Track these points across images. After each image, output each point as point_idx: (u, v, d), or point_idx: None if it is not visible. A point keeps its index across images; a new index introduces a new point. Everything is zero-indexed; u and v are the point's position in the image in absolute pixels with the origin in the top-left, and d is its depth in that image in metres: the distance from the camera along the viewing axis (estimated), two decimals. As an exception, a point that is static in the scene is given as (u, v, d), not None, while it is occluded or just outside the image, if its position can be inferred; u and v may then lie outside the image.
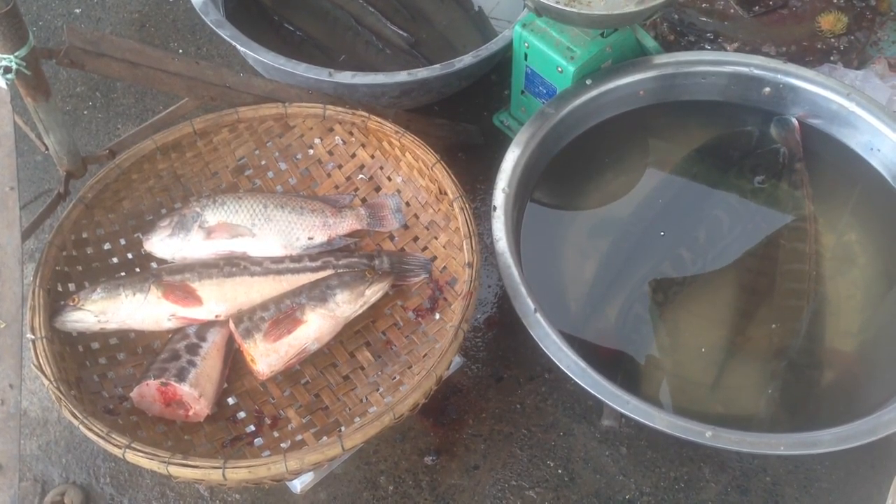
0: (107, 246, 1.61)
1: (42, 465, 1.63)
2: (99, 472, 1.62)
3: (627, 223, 1.72)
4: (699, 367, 1.59)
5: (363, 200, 1.70)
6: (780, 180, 1.75)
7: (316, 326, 1.49)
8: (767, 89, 1.79)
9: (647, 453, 1.61)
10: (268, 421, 1.46)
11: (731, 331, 1.61)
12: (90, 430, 1.30)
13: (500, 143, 1.99)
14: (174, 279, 1.51)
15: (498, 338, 1.75)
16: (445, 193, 1.58)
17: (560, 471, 1.59)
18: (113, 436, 1.29)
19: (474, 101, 2.09)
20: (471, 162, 1.99)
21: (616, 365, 1.58)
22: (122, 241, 1.63)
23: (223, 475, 1.26)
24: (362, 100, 1.85)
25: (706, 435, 1.36)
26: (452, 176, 1.57)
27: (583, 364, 1.42)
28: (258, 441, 1.44)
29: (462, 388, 1.69)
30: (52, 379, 1.35)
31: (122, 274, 1.59)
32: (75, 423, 1.31)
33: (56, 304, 1.48)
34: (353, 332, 1.56)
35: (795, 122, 1.78)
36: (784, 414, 1.53)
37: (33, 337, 1.40)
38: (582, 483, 1.58)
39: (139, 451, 1.27)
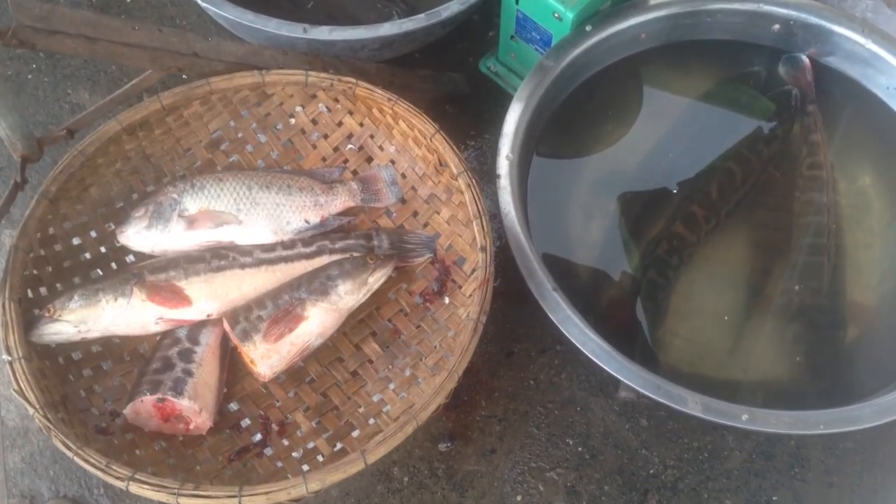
0: (76, 240, 1.46)
1: (28, 479, 1.52)
2: (91, 482, 1.51)
3: (637, 181, 1.62)
4: (718, 332, 1.52)
5: (354, 173, 1.56)
6: (793, 125, 1.65)
7: (318, 321, 1.37)
8: (777, 26, 1.67)
9: (668, 424, 1.55)
10: (275, 427, 1.36)
11: (750, 292, 1.54)
12: (87, 461, 1.18)
13: (488, 92, 1.86)
14: (158, 279, 1.38)
15: (504, 309, 1.65)
16: (446, 165, 1.45)
17: (580, 448, 1.53)
18: (113, 467, 1.18)
19: (457, 45, 1.93)
20: (459, 115, 1.85)
21: (633, 335, 1.51)
22: (93, 234, 1.48)
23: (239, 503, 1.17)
24: (340, 54, 1.69)
25: (743, 418, 1.30)
26: (454, 147, 1.44)
27: (608, 347, 1.34)
28: (267, 451, 1.34)
29: (471, 367, 1.57)
30: (38, 406, 1.23)
31: (99, 272, 1.46)
32: (69, 454, 1.19)
33: (29, 313, 1.34)
34: (356, 322, 1.45)
35: (806, 60, 1.68)
36: (808, 377, 1.48)
37: (10, 358, 1.27)
38: (604, 460, 1.52)
39: (144, 482, 1.16)
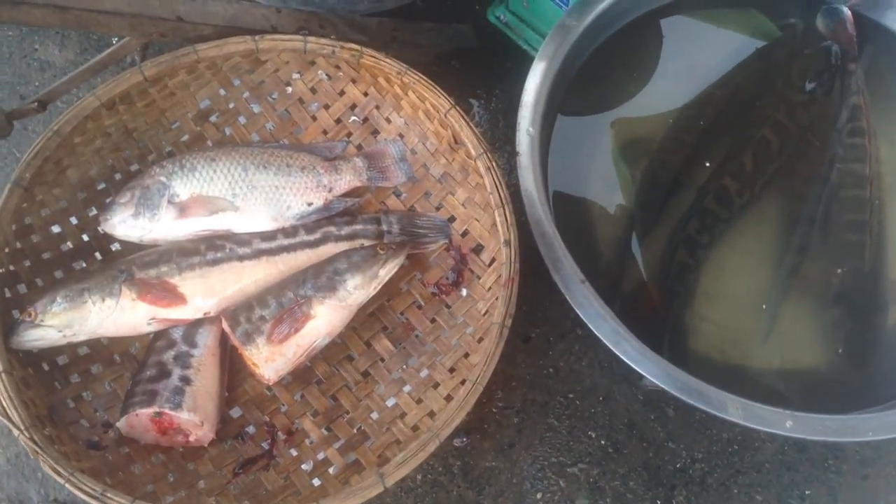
0: (55, 229, 1.33)
1: (15, 481, 1.42)
2: (84, 486, 1.41)
3: (665, 152, 1.49)
4: (751, 316, 1.42)
5: (359, 148, 1.43)
6: (833, 85, 1.52)
7: (326, 320, 1.26)
8: (815, -26, 1.53)
9: (696, 414, 1.47)
10: (282, 436, 1.26)
11: (786, 273, 1.43)
12: (80, 489, 1.09)
13: (497, 45, 1.71)
14: (149, 275, 1.25)
15: (519, 290, 1.53)
16: (462, 143, 1.32)
17: (603, 441, 1.45)
18: (109, 495, 1.08)
19: (462, -10, 1.77)
20: (466, 70, 1.70)
21: (661, 321, 1.40)
22: (73, 220, 1.35)
23: (251, 535, 1.07)
24: (336, 7, 1.53)
25: (787, 425, 1.21)
26: (471, 124, 1.30)
27: (642, 347, 1.23)
28: (275, 462, 1.24)
29: (487, 354, 1.49)
30: (23, 427, 1.12)
31: (83, 264, 1.33)
32: (60, 480, 1.09)
33: (8, 316, 1.22)
34: (365, 315, 1.34)
35: (847, 12, 1.53)
36: (849, 366, 1.39)
37: (-11, 373, 1.15)
38: (628, 454, 1.44)
39: (145, 513, 1.07)
